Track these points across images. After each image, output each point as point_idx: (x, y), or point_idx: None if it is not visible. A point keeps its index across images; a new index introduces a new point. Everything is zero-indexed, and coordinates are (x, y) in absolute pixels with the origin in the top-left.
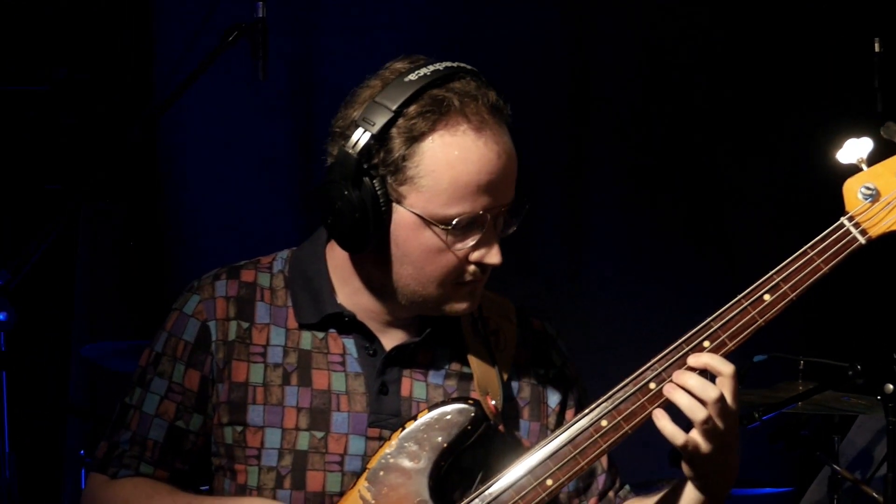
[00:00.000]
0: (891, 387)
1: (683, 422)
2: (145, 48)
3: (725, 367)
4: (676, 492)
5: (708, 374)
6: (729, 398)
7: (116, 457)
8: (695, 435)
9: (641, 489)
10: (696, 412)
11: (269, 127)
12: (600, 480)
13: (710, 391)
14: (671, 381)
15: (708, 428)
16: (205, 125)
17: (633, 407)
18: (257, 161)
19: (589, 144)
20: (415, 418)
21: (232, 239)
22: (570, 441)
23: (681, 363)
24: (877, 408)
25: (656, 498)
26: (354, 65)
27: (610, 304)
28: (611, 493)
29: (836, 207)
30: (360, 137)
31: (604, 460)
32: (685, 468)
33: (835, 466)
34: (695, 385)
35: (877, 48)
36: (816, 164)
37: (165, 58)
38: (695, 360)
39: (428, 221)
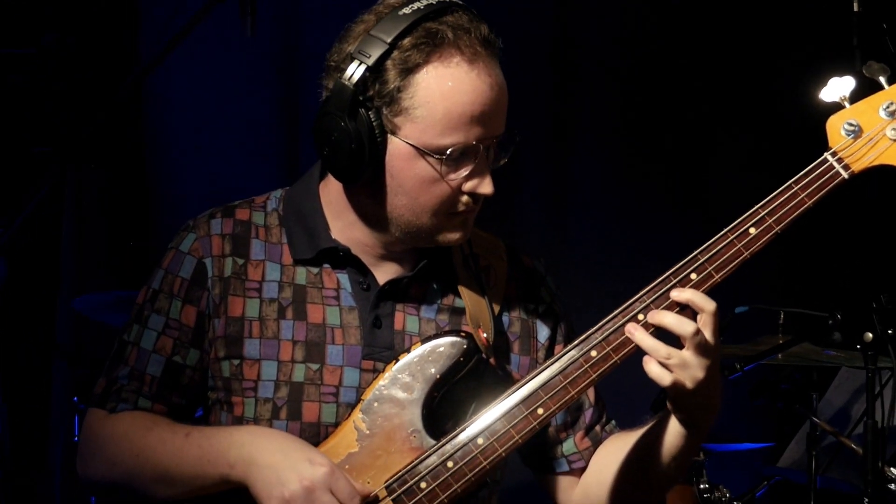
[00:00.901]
0: (870, 335)
1: None
2: (131, 11)
3: (707, 304)
4: (661, 424)
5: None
6: (708, 334)
7: (115, 392)
8: (676, 371)
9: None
10: (695, 328)
11: (253, 89)
12: (587, 414)
13: (687, 326)
14: (647, 320)
15: (702, 343)
16: (190, 87)
17: (623, 337)
18: (242, 123)
19: (571, 110)
20: (408, 351)
21: (216, 199)
22: (561, 371)
23: (666, 297)
24: (856, 359)
25: (641, 431)
26: (340, 28)
27: (594, 270)
28: (597, 427)
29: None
30: (356, 70)
31: (591, 395)
32: (669, 404)
33: (814, 419)
34: (672, 322)
35: (855, 7)
36: (797, 126)
37: (151, 20)
38: (678, 293)
39: (422, 151)
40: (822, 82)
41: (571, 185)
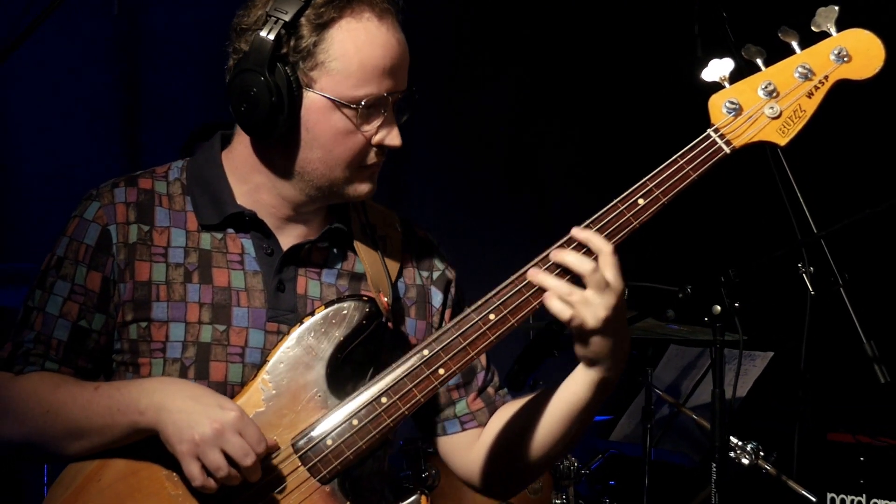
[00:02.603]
0: (718, 308)
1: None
2: None
3: (604, 245)
4: (565, 387)
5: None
6: (609, 274)
7: (21, 355)
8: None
9: None
10: (594, 266)
11: (94, 74)
12: (480, 377)
13: (586, 265)
14: (549, 257)
15: (601, 282)
16: (32, 75)
17: (519, 301)
18: (83, 107)
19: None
20: (312, 314)
21: (59, 183)
22: (461, 333)
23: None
24: (698, 333)
25: (545, 393)
26: (179, 12)
27: None
28: (490, 389)
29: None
30: (273, 28)
31: (483, 359)
32: (577, 348)
33: (657, 390)
34: (572, 260)
35: None
36: (641, 107)
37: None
38: (577, 231)
39: (338, 103)
40: (668, 70)
41: (409, 175)
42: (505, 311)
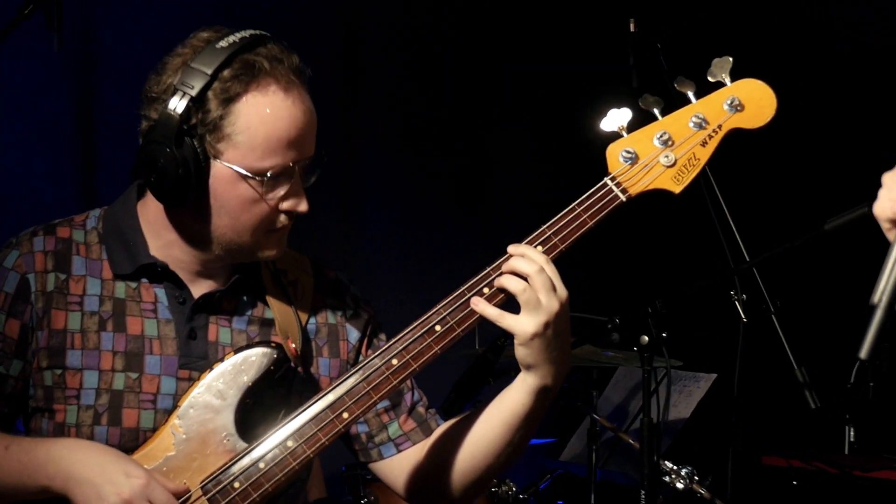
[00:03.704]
0: (646, 338)
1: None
2: None
3: (539, 256)
4: (505, 395)
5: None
6: (551, 274)
7: None
8: (523, 313)
9: None
10: (520, 285)
11: (50, 97)
12: (407, 398)
13: (531, 265)
14: (502, 271)
15: (530, 301)
16: None
17: (421, 347)
18: (38, 131)
19: (360, 119)
20: (222, 360)
21: (12, 207)
22: (364, 378)
23: (463, 307)
24: (633, 360)
25: (486, 409)
26: (134, 35)
27: (383, 276)
28: (420, 409)
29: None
30: (180, 101)
31: (409, 382)
32: (518, 352)
33: (594, 416)
34: (518, 264)
35: (632, 28)
36: (579, 138)
37: None
38: (513, 248)
39: (244, 175)
40: (601, 106)
41: (359, 198)
42: (407, 357)
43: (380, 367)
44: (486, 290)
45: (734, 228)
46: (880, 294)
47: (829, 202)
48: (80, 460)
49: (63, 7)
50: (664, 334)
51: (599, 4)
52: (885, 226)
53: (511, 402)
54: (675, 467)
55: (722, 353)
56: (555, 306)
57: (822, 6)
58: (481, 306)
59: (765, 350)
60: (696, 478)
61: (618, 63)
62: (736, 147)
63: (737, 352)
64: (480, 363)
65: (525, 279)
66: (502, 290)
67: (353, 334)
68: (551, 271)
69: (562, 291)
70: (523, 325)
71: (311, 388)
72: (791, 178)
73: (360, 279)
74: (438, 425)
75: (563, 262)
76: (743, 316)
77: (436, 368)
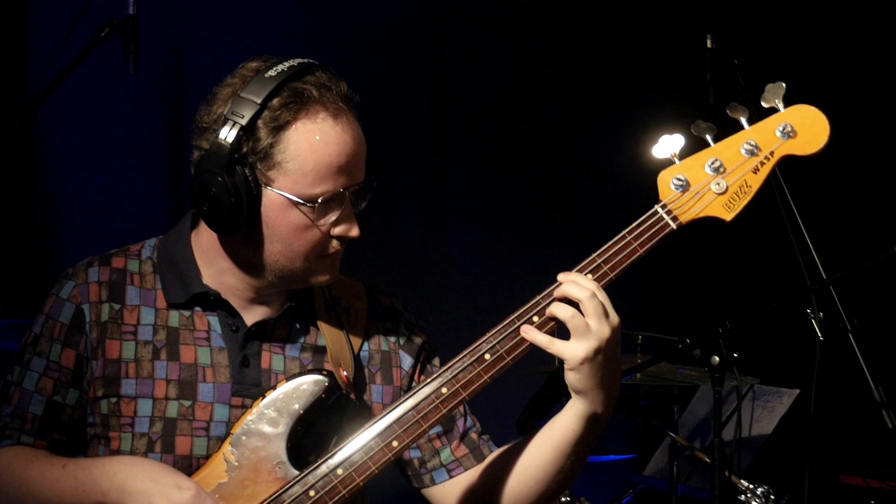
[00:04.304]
0: (716, 358)
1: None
2: (20, 43)
3: (590, 283)
4: (556, 421)
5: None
6: (603, 300)
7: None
8: (573, 339)
9: None
10: (569, 311)
11: (140, 115)
12: (460, 424)
13: (582, 291)
14: (553, 298)
15: (580, 326)
16: (78, 114)
17: (470, 376)
18: (129, 148)
19: (446, 131)
20: (274, 388)
21: (105, 225)
22: (414, 407)
23: (513, 336)
24: (707, 378)
25: (537, 435)
26: (223, 54)
27: (468, 289)
28: (472, 434)
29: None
30: (231, 130)
31: (461, 408)
32: (568, 377)
33: (670, 434)
34: (569, 290)
35: (709, 44)
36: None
37: (41, 52)
38: (564, 276)
39: (295, 201)
40: (680, 120)
41: (446, 209)
42: (457, 386)
43: (429, 395)
44: (535, 318)
45: (811, 246)
46: None
47: None
48: (132, 474)
49: (139, 30)
50: (735, 354)
51: (676, 21)
52: None
53: (561, 429)
54: (750, 486)
55: (801, 370)
56: (605, 332)
57: None
58: (531, 334)
59: (842, 368)
60: (773, 497)
61: (694, 80)
62: (812, 164)
63: (814, 370)
64: (553, 381)
65: (575, 305)
66: (552, 318)
67: (407, 361)
68: (603, 297)
69: (613, 318)
70: (573, 349)
71: (365, 416)
72: (870, 194)
73: (446, 293)
74: (491, 451)
75: (637, 280)
76: (820, 334)
77: (510, 385)
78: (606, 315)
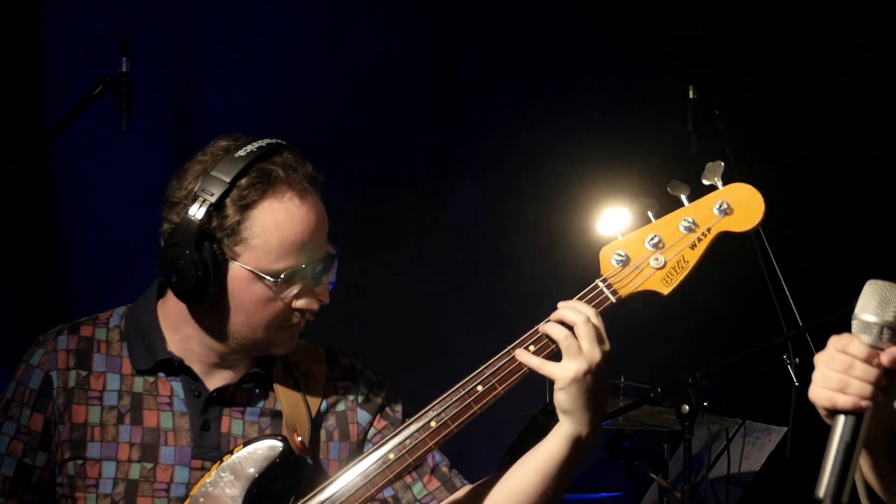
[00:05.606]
0: (686, 407)
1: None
2: (35, 82)
3: (588, 308)
4: (541, 444)
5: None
6: (598, 325)
7: None
8: (564, 359)
9: None
10: (563, 332)
11: (151, 152)
12: (429, 459)
13: (578, 315)
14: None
15: (571, 347)
16: (92, 151)
17: (416, 442)
18: (141, 184)
19: (452, 159)
20: (232, 452)
21: (120, 260)
22: (362, 473)
23: (505, 367)
24: (700, 422)
25: (521, 460)
26: (232, 91)
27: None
28: (444, 468)
29: None
30: (200, 207)
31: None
32: (556, 397)
33: (652, 475)
34: (565, 313)
35: (691, 95)
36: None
37: (54, 91)
38: (563, 304)
39: (259, 275)
40: (662, 167)
41: (452, 244)
42: (403, 452)
43: (415, 432)
44: (531, 347)
45: (787, 293)
46: (825, 489)
47: (883, 262)
48: None
49: (132, 88)
50: (705, 403)
51: (658, 71)
52: (821, 412)
53: (547, 450)
54: None
55: (786, 410)
56: (596, 356)
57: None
58: (524, 357)
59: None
60: None
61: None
62: (789, 213)
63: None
64: (533, 426)
65: (570, 329)
66: (546, 336)
67: (364, 416)
68: (598, 323)
69: (606, 344)
70: (563, 369)
71: (321, 476)
72: (845, 240)
73: (451, 325)
74: (463, 484)
75: (622, 328)
76: (795, 379)
77: (489, 429)
78: (600, 341)
